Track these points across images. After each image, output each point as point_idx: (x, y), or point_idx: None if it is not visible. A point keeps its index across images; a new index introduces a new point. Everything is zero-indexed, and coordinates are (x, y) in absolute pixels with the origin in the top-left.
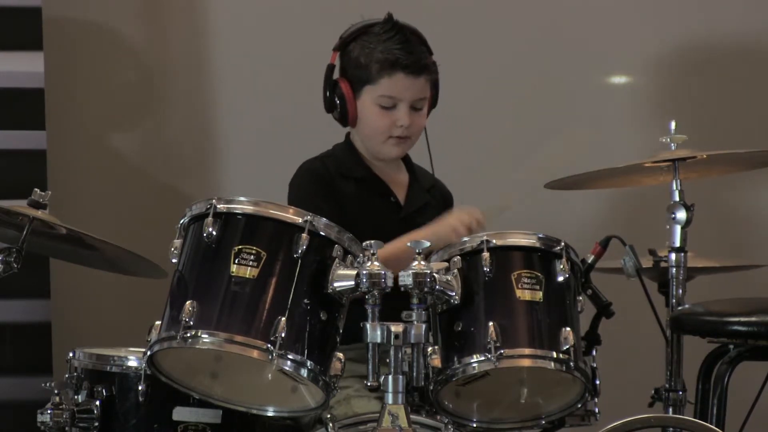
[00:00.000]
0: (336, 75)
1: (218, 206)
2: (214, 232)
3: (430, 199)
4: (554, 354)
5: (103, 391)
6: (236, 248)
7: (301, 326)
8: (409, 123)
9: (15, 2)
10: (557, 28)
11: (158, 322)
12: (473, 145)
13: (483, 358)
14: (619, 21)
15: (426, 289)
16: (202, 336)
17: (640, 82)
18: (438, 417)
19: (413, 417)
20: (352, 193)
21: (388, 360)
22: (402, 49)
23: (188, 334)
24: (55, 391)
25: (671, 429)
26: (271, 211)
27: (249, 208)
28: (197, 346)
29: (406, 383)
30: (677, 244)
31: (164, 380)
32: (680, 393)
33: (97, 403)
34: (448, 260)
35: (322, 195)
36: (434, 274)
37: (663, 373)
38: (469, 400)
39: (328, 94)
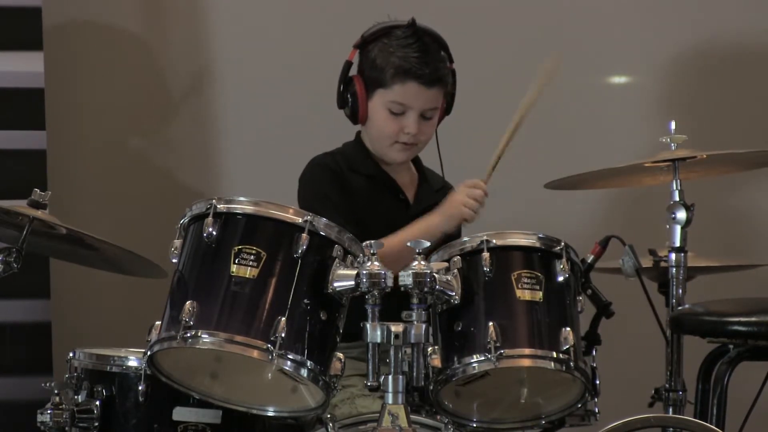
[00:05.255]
0: (353, 72)
1: (218, 206)
2: (214, 232)
3: (439, 199)
4: (554, 354)
5: (103, 391)
6: (236, 248)
7: (301, 326)
8: (416, 131)
9: (15, 2)
10: (557, 29)
11: (158, 322)
12: (473, 145)
13: (483, 358)
14: (619, 21)
15: (426, 289)
16: (202, 336)
17: (640, 82)
18: (438, 417)
19: (413, 417)
20: (362, 188)
21: (388, 360)
22: (419, 59)
23: (188, 334)
24: (55, 391)
25: (671, 429)
26: (271, 211)
27: (249, 208)
28: (197, 346)
29: (406, 383)
30: (677, 244)
31: (164, 380)
32: (680, 393)
33: (97, 403)
34: (448, 260)
35: (333, 188)
36: (434, 274)
37: (663, 373)
38: (469, 400)
39: (341, 90)
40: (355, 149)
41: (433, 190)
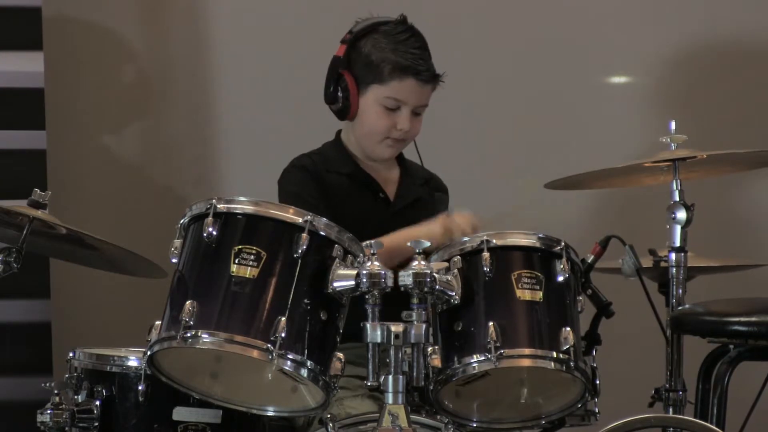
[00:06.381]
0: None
1: (218, 206)
2: (214, 232)
3: (423, 193)
4: (554, 354)
5: (103, 391)
6: (236, 248)
7: (301, 326)
8: (409, 128)
9: (15, 2)
10: (557, 29)
11: (158, 322)
12: (473, 145)
13: (483, 358)
14: (619, 21)
15: (426, 289)
16: (202, 336)
17: (640, 82)
18: (438, 417)
19: (413, 417)
20: (340, 188)
21: (387, 360)
22: (418, 56)
23: (188, 334)
24: (55, 391)
25: (671, 429)
26: (271, 211)
27: (249, 208)
28: (197, 346)
29: (406, 383)
30: (677, 244)
31: (164, 380)
32: (680, 393)
33: (97, 403)
34: (448, 260)
35: (310, 189)
36: (434, 274)
37: (663, 373)
38: (469, 400)
39: (331, 86)
40: (334, 148)
41: (417, 184)
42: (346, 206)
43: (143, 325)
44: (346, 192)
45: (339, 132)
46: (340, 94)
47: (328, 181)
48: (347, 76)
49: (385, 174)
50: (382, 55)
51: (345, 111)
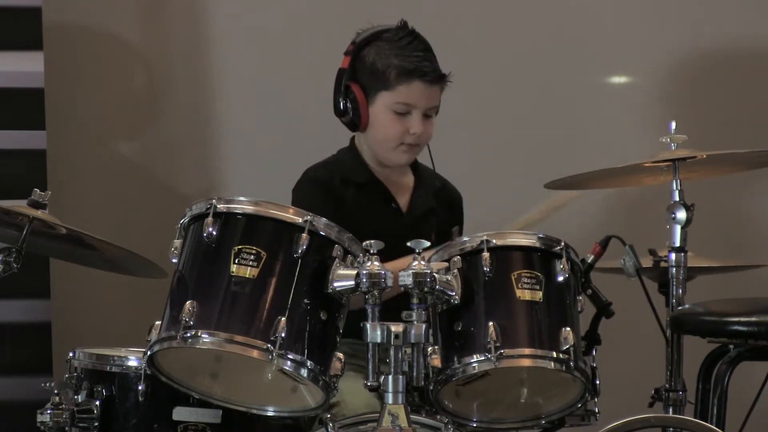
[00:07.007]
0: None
1: (218, 206)
2: (214, 232)
3: (435, 204)
4: (554, 354)
5: (103, 391)
6: (236, 248)
7: (301, 326)
8: (421, 131)
9: (15, 2)
10: (558, 29)
11: (158, 322)
12: (474, 146)
13: (483, 358)
14: (619, 21)
15: (426, 289)
16: (202, 336)
17: (640, 82)
18: (438, 417)
19: (413, 417)
20: (355, 199)
21: (388, 360)
22: (422, 58)
23: (188, 334)
24: (55, 391)
25: (671, 429)
26: (271, 211)
27: (249, 208)
28: (197, 346)
29: (406, 383)
30: (677, 244)
31: (164, 380)
32: (680, 393)
33: (97, 403)
34: (448, 260)
35: (325, 203)
36: (434, 274)
37: (663, 373)
38: (469, 400)
39: (340, 99)
40: (349, 157)
41: (429, 193)
42: (360, 219)
43: (143, 325)
44: (360, 204)
45: (353, 138)
46: (349, 105)
47: (342, 193)
48: (354, 87)
49: (400, 182)
50: (386, 61)
51: (356, 122)
